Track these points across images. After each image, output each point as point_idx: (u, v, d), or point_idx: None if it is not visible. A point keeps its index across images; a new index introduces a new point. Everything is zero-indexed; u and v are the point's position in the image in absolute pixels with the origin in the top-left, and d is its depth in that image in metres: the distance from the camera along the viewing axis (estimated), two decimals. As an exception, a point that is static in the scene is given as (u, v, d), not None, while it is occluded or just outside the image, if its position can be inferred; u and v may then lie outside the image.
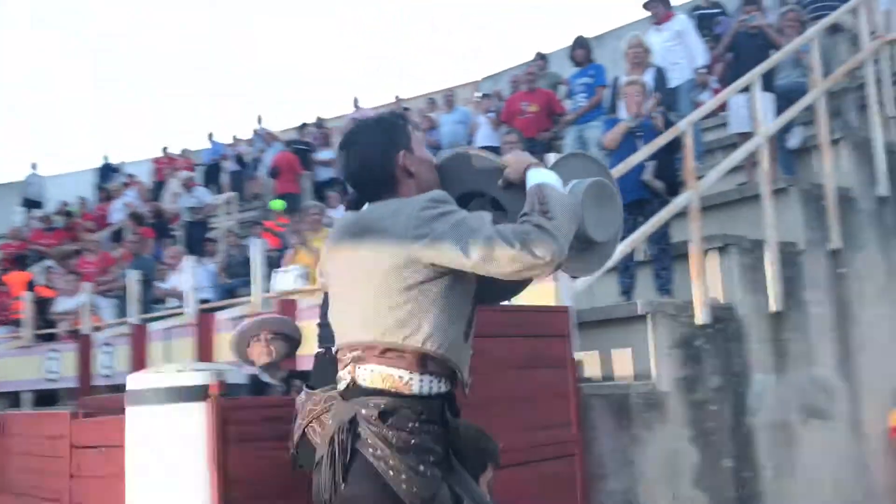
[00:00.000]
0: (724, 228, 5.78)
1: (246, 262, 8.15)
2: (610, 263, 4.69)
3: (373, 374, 2.02)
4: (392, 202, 2.11)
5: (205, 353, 7.35)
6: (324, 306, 2.64)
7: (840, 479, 5.74)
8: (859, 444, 5.99)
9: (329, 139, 12.70)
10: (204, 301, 8.75)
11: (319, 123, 14.66)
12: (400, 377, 2.00)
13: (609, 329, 5.10)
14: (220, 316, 7.77)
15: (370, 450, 1.96)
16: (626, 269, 5.56)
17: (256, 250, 7.78)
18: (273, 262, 8.25)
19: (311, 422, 2.68)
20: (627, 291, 5.58)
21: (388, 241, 1.99)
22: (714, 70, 8.94)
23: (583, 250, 2.25)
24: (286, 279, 7.60)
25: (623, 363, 5.02)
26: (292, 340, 4.08)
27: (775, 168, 6.29)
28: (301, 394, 2.84)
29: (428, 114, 12.63)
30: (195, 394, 2.95)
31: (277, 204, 10.71)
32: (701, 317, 5.10)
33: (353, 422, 2.00)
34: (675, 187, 5.57)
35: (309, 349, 3.33)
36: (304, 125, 14.36)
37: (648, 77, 6.11)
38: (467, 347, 2.14)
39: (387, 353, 2.02)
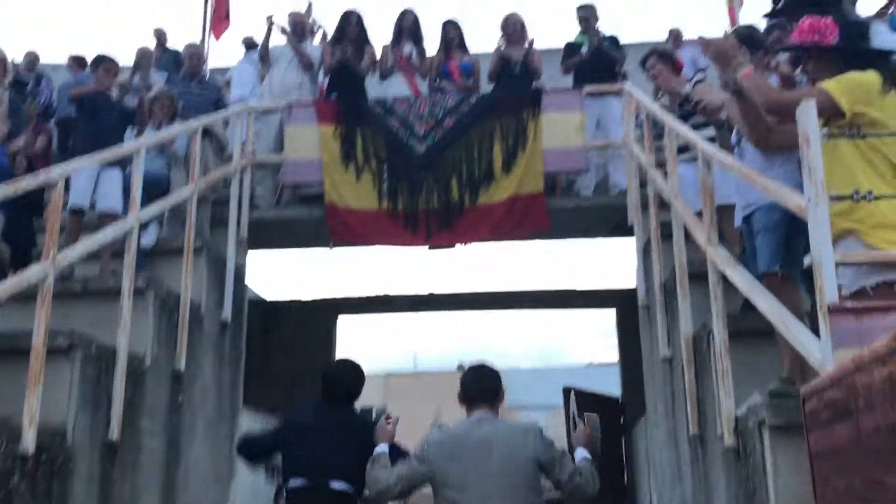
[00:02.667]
0: (56, 326, 4.28)
1: None
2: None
3: None
4: (503, 421, 3.52)
5: None
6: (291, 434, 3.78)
7: None
8: None
9: None
10: None
11: None
12: None
13: None
14: None
15: None
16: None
17: None
18: None
19: None
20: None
21: (524, 453, 3.31)
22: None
23: None
24: None
25: None
26: None
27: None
28: None
29: None
30: None
31: None
32: (28, 444, 3.58)
33: None
34: (25, 257, 4.01)
35: None
36: None
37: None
38: None
39: None
